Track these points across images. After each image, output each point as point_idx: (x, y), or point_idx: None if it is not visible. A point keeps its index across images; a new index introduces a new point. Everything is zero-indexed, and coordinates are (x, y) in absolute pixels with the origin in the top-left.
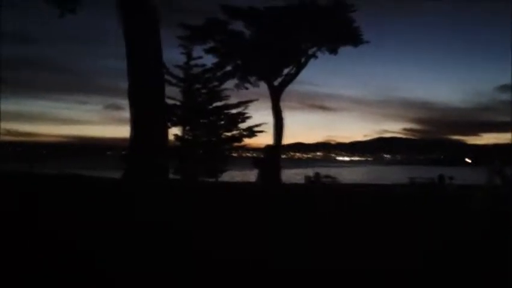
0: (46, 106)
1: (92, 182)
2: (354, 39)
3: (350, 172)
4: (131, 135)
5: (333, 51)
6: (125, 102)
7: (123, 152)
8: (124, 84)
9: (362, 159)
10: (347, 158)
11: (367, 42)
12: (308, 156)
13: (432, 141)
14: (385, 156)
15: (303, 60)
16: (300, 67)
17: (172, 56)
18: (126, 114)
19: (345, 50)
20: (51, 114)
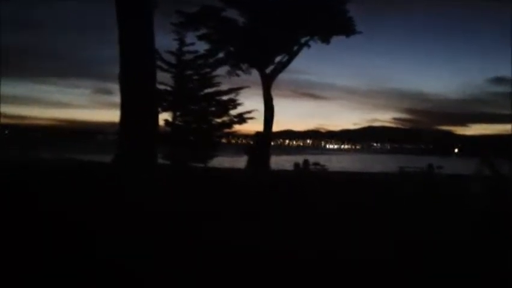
0: (37, 90)
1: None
2: (347, 29)
3: (339, 160)
4: (121, 120)
5: (326, 40)
6: (115, 87)
7: (113, 137)
8: (115, 70)
9: (352, 147)
10: (336, 146)
11: (360, 32)
12: (298, 143)
13: (422, 131)
14: (374, 145)
15: (295, 48)
16: (292, 55)
17: (165, 42)
18: (116, 98)
19: (337, 40)
20: (43, 98)
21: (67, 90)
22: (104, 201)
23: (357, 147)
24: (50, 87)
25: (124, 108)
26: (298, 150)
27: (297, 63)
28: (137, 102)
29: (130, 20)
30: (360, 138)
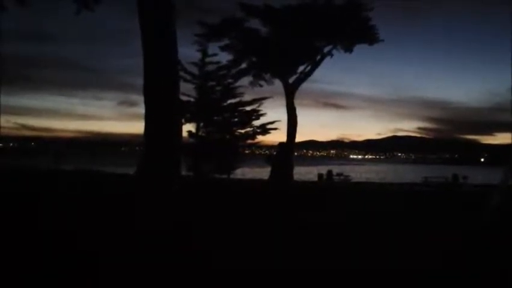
0: (62, 102)
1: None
2: (370, 37)
3: (362, 170)
4: (145, 131)
5: (349, 49)
6: (139, 99)
7: (137, 148)
8: (139, 81)
9: (375, 157)
10: (360, 156)
11: (382, 40)
12: (321, 153)
13: (447, 140)
14: (398, 154)
15: (318, 58)
16: (314, 65)
17: (188, 53)
18: (140, 110)
19: (360, 48)
20: (67, 110)
21: (93, 102)
22: (128, 213)
23: (381, 157)
24: (76, 100)
25: (148, 119)
26: (321, 160)
27: (319, 72)
28: (161, 113)
29: (154, 31)
30: (383, 147)
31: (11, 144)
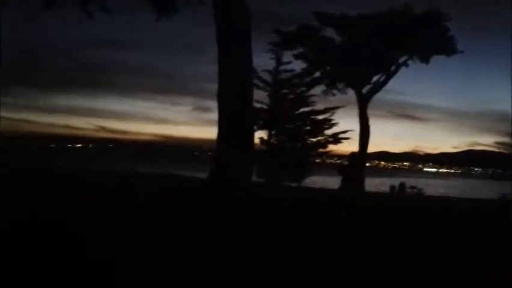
0: (141, 106)
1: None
2: (448, 48)
3: (437, 184)
4: (218, 137)
5: (425, 60)
6: (213, 104)
7: (209, 153)
8: (214, 87)
9: (450, 171)
10: (434, 170)
11: (461, 52)
12: (394, 165)
13: None
14: (475, 169)
15: (393, 68)
16: (389, 75)
17: (262, 61)
18: (214, 116)
19: (437, 59)
20: (145, 114)
21: (169, 107)
22: (201, 219)
23: (457, 171)
24: (154, 104)
25: (221, 125)
26: (394, 172)
27: (394, 83)
28: (234, 119)
29: (229, 39)
30: (459, 161)
31: (90, 145)
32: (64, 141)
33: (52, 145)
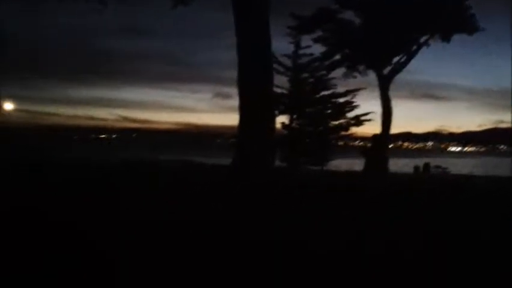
0: (160, 95)
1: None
2: (469, 26)
3: (462, 163)
4: (239, 123)
5: (446, 39)
6: (233, 91)
7: (231, 140)
8: (233, 74)
9: (475, 149)
10: (459, 149)
11: (483, 29)
12: (417, 146)
13: None
14: (500, 147)
15: (414, 48)
16: (410, 56)
17: (281, 45)
18: (234, 102)
19: (458, 38)
20: (165, 103)
21: (189, 95)
22: (223, 203)
23: (482, 149)
24: (173, 93)
25: (242, 111)
26: (418, 152)
27: (415, 63)
28: (255, 105)
29: (247, 24)
30: (484, 140)
31: (114, 135)
32: (87, 132)
33: (75, 136)
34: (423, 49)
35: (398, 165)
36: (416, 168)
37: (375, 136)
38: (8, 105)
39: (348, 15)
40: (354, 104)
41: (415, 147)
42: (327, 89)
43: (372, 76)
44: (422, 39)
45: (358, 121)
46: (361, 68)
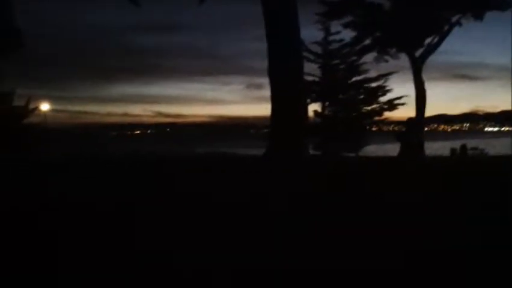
0: (193, 88)
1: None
2: (502, 3)
3: (499, 143)
4: (271, 113)
5: (479, 17)
6: (265, 81)
7: (265, 130)
8: (264, 64)
9: None
10: (495, 129)
11: None
12: (453, 128)
13: None
14: None
15: (445, 28)
16: (442, 36)
17: (310, 32)
18: (266, 92)
19: (491, 16)
20: (198, 96)
21: (221, 87)
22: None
23: None
24: (206, 86)
25: (274, 101)
26: (454, 135)
27: (448, 43)
28: (287, 94)
29: (276, 13)
30: None
31: (149, 131)
32: (123, 128)
33: (114, 133)
34: (456, 28)
35: (434, 148)
36: (453, 150)
37: (409, 120)
38: (45, 106)
39: None
40: (387, 88)
41: (451, 129)
42: (359, 74)
43: (404, 59)
44: (454, 19)
45: (391, 105)
46: (392, 51)
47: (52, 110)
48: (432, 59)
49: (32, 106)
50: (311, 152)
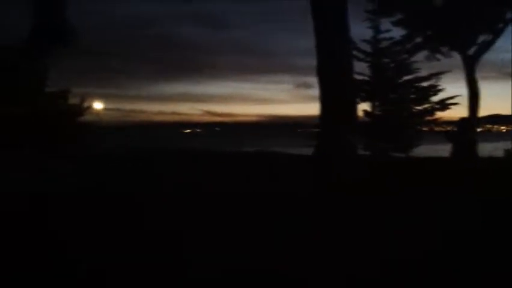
0: (243, 87)
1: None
2: None
3: None
4: (320, 113)
5: None
6: (314, 80)
7: (313, 130)
8: (313, 63)
9: None
10: None
11: None
12: (508, 128)
13: None
14: None
15: (500, 26)
16: (497, 34)
17: (360, 30)
18: (315, 92)
19: None
20: (248, 95)
21: (271, 86)
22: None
23: None
24: (256, 84)
25: (323, 100)
26: (508, 135)
27: (502, 41)
28: (336, 93)
29: (324, 10)
30: None
31: (198, 130)
32: (173, 127)
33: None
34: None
35: (488, 148)
36: (507, 151)
37: (462, 120)
38: (98, 105)
39: None
40: (439, 87)
41: (506, 129)
42: (410, 73)
43: (456, 58)
44: (509, 16)
45: (443, 105)
46: (444, 49)
47: (105, 109)
48: (487, 57)
49: (85, 104)
50: (360, 152)
